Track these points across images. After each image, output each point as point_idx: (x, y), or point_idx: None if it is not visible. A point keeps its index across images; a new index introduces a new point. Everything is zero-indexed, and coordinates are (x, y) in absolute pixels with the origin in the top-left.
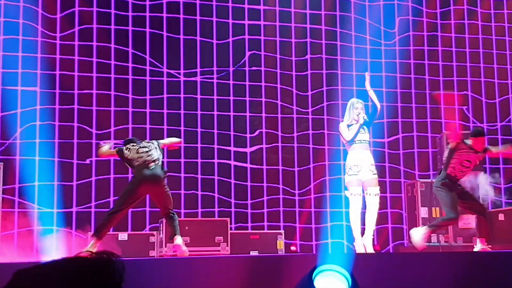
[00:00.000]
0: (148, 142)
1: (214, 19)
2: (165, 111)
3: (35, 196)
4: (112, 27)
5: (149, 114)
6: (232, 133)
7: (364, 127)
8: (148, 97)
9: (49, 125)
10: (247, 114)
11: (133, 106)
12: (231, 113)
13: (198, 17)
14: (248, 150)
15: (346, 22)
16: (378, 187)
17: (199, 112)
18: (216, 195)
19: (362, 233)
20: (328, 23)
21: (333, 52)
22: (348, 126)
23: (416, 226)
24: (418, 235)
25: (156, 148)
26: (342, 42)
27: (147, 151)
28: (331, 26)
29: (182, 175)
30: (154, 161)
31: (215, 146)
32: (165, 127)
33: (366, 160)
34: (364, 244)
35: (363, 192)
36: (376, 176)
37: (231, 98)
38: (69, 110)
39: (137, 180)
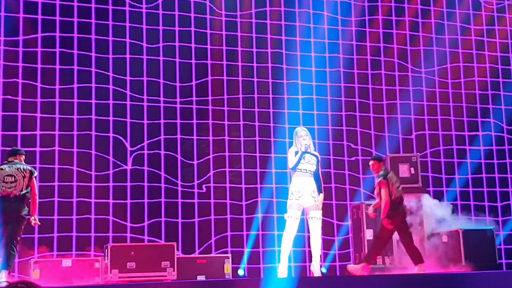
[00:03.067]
0: (18, 170)
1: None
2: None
3: None
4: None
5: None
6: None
7: (312, 156)
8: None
9: None
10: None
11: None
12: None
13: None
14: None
15: (291, 45)
16: (320, 211)
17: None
18: (162, 218)
19: (310, 258)
20: (273, 45)
21: (279, 76)
22: (296, 152)
23: (362, 248)
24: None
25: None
26: (288, 66)
27: (12, 182)
28: (277, 48)
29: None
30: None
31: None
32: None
33: (307, 187)
34: (312, 270)
35: (305, 216)
36: (318, 202)
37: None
38: None
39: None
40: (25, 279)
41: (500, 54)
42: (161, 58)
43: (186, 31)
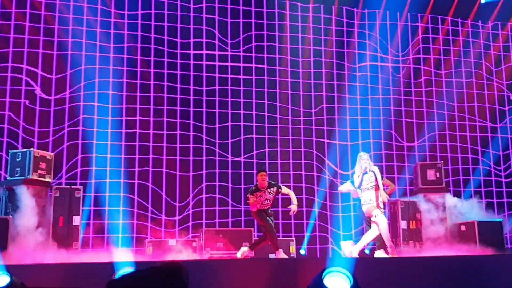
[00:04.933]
0: None
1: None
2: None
3: None
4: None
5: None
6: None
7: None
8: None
9: None
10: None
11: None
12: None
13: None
14: None
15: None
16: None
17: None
18: (242, 207)
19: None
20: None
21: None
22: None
23: (398, 236)
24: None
25: None
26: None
27: None
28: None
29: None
30: None
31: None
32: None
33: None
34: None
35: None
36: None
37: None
38: None
39: None
40: (176, 260)
41: (506, 82)
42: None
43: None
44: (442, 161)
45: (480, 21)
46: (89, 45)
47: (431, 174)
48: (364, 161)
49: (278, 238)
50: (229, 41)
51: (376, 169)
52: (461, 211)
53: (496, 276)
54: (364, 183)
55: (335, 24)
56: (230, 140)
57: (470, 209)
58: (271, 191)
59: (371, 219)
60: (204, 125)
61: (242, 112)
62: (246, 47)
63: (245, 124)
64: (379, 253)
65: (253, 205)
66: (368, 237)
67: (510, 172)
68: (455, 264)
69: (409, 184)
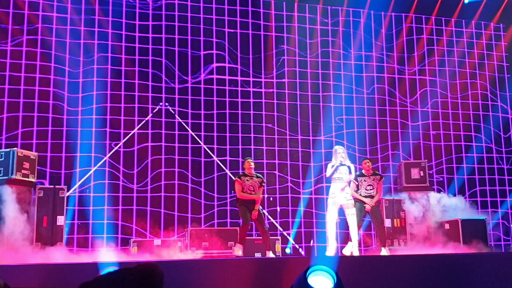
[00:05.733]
0: None
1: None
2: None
3: None
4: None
5: None
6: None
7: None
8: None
9: None
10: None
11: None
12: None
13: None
14: None
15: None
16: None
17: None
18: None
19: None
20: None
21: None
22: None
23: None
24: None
25: None
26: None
27: None
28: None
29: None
30: None
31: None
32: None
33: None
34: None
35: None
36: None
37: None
38: None
39: None
40: (151, 262)
41: (490, 86)
42: None
43: None
44: (426, 160)
45: (464, 20)
46: (73, 44)
47: (415, 173)
48: (340, 154)
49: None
50: (214, 40)
51: (352, 165)
52: (446, 208)
53: (479, 273)
54: (336, 175)
55: (320, 24)
56: (215, 134)
57: (455, 206)
58: (257, 181)
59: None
60: (190, 120)
61: (227, 111)
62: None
63: (231, 123)
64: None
65: (239, 190)
66: (353, 232)
67: (493, 170)
68: (439, 262)
69: (393, 183)
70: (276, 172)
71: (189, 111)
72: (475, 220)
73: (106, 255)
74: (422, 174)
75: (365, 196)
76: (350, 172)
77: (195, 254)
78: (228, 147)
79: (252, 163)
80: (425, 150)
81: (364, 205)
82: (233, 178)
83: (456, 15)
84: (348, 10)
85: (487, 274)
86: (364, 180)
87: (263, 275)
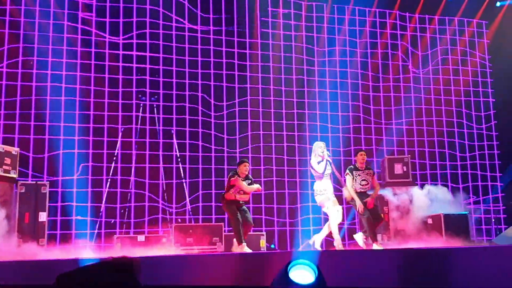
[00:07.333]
0: None
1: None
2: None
3: None
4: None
5: None
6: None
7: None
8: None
9: None
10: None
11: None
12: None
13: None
14: None
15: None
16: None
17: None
18: (213, 203)
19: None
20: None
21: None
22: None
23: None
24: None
25: None
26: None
27: None
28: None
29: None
30: None
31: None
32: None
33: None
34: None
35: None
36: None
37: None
38: None
39: None
40: (127, 256)
41: (472, 79)
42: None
43: None
44: (409, 155)
45: (447, 17)
46: (57, 38)
47: (398, 168)
48: (321, 149)
49: (250, 233)
50: (198, 27)
51: (331, 160)
52: (430, 200)
53: (462, 267)
54: (326, 172)
55: (305, 20)
56: (200, 130)
57: (439, 199)
58: (247, 183)
59: (323, 209)
60: (174, 116)
61: (212, 102)
62: (216, 28)
63: (216, 115)
64: (358, 236)
65: (236, 187)
66: (330, 227)
67: (476, 166)
68: (421, 256)
69: (377, 178)
70: (261, 167)
71: (174, 104)
72: (457, 215)
73: (89, 251)
74: (405, 169)
75: (360, 192)
76: (331, 168)
77: (180, 250)
78: (213, 146)
79: (249, 167)
80: (408, 146)
81: (364, 200)
82: (228, 174)
83: (439, 12)
84: (332, 6)
85: (469, 268)
86: (358, 175)
87: (245, 270)
